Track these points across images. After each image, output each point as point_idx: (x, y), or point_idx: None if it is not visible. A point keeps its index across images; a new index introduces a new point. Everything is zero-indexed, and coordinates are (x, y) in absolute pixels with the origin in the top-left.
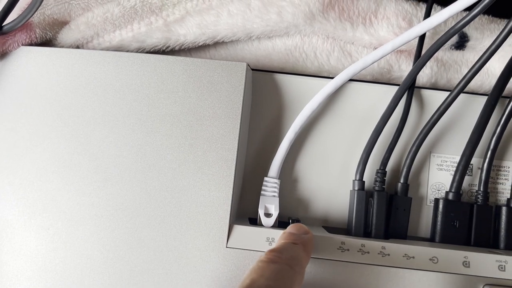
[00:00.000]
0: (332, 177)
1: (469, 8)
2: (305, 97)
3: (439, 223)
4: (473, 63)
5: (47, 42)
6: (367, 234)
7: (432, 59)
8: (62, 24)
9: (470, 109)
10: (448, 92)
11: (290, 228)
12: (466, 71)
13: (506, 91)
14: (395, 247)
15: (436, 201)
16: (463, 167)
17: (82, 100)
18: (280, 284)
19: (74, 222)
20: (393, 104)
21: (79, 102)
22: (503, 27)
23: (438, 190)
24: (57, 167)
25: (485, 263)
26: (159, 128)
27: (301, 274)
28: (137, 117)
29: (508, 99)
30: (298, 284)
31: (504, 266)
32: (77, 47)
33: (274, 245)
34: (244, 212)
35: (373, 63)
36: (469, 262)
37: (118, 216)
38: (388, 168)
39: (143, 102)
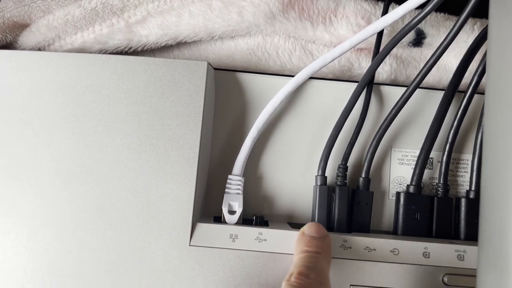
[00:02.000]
0: (295, 174)
1: (424, 6)
2: (267, 95)
3: (400, 216)
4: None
5: (7, 45)
6: (330, 229)
7: (391, 56)
8: (22, 27)
9: (428, 104)
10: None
11: (309, 229)
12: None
13: (461, 86)
14: (356, 240)
15: (398, 194)
16: (423, 160)
17: (43, 102)
18: None
19: (35, 225)
20: (352, 100)
21: (40, 104)
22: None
23: (400, 184)
24: (17, 169)
25: (445, 253)
26: (121, 128)
27: (328, 285)
28: (98, 117)
29: (463, 94)
30: None
31: (463, 255)
32: (39, 49)
33: (298, 263)
34: (210, 210)
35: (332, 60)
36: (429, 253)
37: (80, 217)
38: (350, 163)
39: (105, 102)
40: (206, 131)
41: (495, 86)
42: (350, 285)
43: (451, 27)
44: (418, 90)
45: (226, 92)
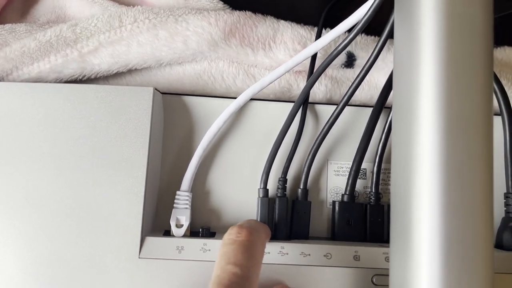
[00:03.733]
0: (240, 188)
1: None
2: (212, 116)
3: (336, 223)
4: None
5: None
6: (272, 237)
7: (326, 77)
8: None
9: (360, 120)
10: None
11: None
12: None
13: (388, 102)
14: (293, 246)
15: (334, 203)
16: (355, 171)
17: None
18: (245, 263)
19: None
20: (289, 119)
21: None
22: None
23: (336, 194)
24: None
25: (373, 256)
26: (74, 151)
27: (262, 240)
28: (53, 141)
29: (389, 109)
30: (261, 250)
31: None
32: None
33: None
34: (162, 225)
35: (270, 83)
36: (359, 256)
37: (37, 234)
38: (290, 176)
39: (59, 127)
40: (155, 151)
41: (397, 100)
42: None
43: None
44: (351, 107)
45: (174, 115)
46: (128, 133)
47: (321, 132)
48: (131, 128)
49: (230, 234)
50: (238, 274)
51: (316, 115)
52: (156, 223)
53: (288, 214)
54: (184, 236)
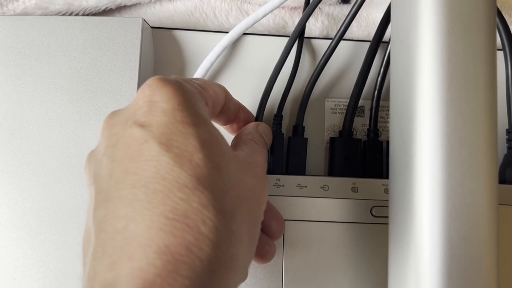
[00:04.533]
0: None
1: None
2: (204, 51)
3: (333, 159)
4: (360, 15)
5: None
6: (267, 172)
7: (323, 14)
8: None
9: (358, 56)
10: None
11: None
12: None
13: (386, 37)
14: (288, 179)
15: (331, 139)
16: (352, 107)
17: None
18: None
19: None
20: (284, 53)
21: None
22: None
23: (334, 132)
24: None
25: (372, 187)
26: (61, 84)
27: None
28: (39, 74)
29: (387, 43)
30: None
31: None
32: None
33: None
34: None
35: (264, 16)
36: (357, 187)
37: (23, 169)
38: (286, 114)
39: (45, 60)
40: None
41: (396, 31)
42: (284, 220)
43: None
44: (348, 43)
45: (165, 50)
46: (117, 65)
47: (317, 67)
48: (119, 60)
49: None
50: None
51: (312, 51)
52: None
53: (283, 150)
54: None
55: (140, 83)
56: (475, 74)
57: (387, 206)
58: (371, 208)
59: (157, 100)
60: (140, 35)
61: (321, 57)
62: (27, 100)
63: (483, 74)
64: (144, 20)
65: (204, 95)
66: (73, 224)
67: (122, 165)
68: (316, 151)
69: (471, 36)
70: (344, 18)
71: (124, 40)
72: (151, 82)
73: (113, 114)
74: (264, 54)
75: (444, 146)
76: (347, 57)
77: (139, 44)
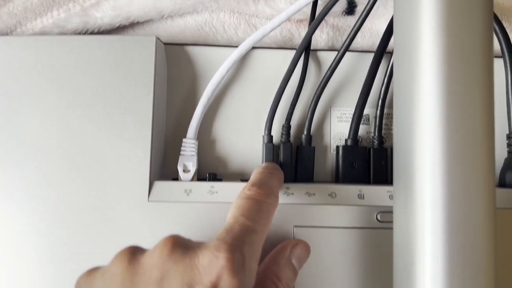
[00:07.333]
0: (245, 135)
1: None
2: (215, 65)
3: (340, 166)
4: (364, 26)
5: None
6: None
7: (328, 25)
8: None
9: (362, 66)
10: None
11: (264, 165)
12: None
13: (390, 48)
14: (298, 187)
15: (337, 147)
16: (358, 116)
17: (5, 84)
18: (257, 219)
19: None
20: (292, 66)
21: (4, 85)
22: None
23: (340, 140)
24: None
25: (378, 194)
26: (80, 101)
27: (275, 204)
28: (59, 93)
29: (391, 54)
30: (273, 213)
31: None
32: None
33: (252, 179)
34: (170, 173)
35: (272, 30)
36: (363, 194)
37: (46, 182)
38: (294, 123)
39: (64, 79)
40: (159, 100)
41: (398, 43)
42: (294, 226)
43: None
44: (353, 53)
45: (177, 64)
46: (133, 82)
47: (323, 78)
48: (135, 77)
49: (249, 190)
50: (250, 227)
51: (318, 62)
52: (164, 173)
53: (292, 159)
54: (192, 180)
55: (155, 99)
56: (474, 82)
57: (392, 212)
58: (377, 214)
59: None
60: (154, 52)
61: (327, 68)
62: (47, 118)
63: (482, 82)
64: (158, 38)
65: None
66: (94, 233)
67: None
68: (323, 159)
69: (470, 47)
70: (350, 30)
71: (139, 58)
72: (223, 262)
73: (175, 253)
74: (272, 66)
75: (444, 152)
76: (352, 67)
77: (153, 61)
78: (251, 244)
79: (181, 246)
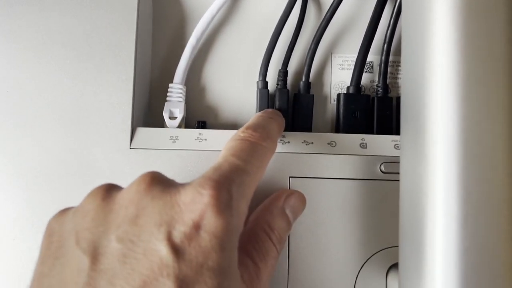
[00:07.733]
0: (239, 82)
1: None
2: (206, 3)
3: (341, 115)
4: None
5: None
6: None
7: None
8: None
9: (366, 8)
10: None
11: (264, 110)
12: None
13: None
14: (294, 135)
15: (338, 96)
16: (361, 61)
17: None
18: (250, 160)
19: None
20: (289, 5)
21: None
22: None
23: (341, 89)
24: None
25: (381, 143)
26: (58, 41)
27: (272, 149)
28: (34, 31)
29: None
30: (269, 158)
31: (400, 144)
32: None
33: (248, 122)
34: (155, 124)
35: None
36: (366, 143)
37: (22, 127)
38: (292, 70)
39: (40, 17)
40: (144, 39)
41: None
42: (290, 177)
43: None
44: None
45: (164, 2)
46: (114, 19)
47: (323, 20)
48: (117, 14)
49: (243, 132)
50: (240, 167)
51: (318, 2)
52: (150, 122)
53: (289, 107)
54: (179, 127)
55: (138, 37)
56: (493, 24)
57: (397, 162)
58: (380, 164)
59: (205, 227)
60: None
61: (327, 9)
62: (23, 60)
63: (504, 25)
64: None
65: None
66: (73, 181)
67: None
68: (322, 108)
69: None
70: None
71: None
72: (207, 199)
73: (153, 189)
74: (269, 6)
75: (461, 98)
76: (355, 8)
77: None
78: (241, 184)
79: (161, 182)
